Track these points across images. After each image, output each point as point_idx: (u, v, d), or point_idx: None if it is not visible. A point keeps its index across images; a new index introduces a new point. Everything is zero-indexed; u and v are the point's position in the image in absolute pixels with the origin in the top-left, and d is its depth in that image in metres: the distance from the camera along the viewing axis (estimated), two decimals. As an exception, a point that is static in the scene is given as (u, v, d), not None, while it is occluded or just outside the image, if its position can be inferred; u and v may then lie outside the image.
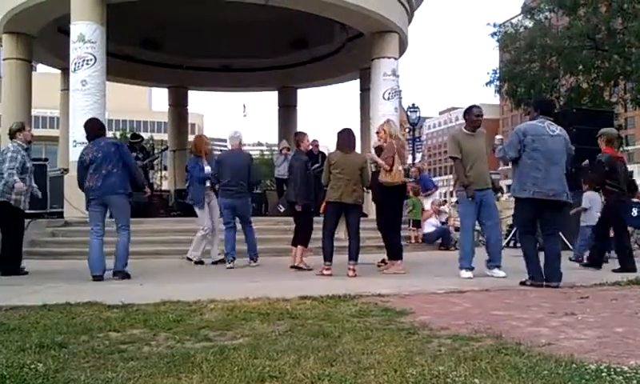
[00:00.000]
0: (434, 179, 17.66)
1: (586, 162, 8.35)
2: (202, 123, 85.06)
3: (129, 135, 16.06)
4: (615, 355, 2.90)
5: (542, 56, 23.03)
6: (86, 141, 6.86)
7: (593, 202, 8.79)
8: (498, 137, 6.36)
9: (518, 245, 11.01)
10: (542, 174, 5.71)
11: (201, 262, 8.04)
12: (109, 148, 6.39)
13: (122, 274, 6.24)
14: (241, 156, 7.99)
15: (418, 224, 11.43)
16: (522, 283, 5.77)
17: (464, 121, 6.86)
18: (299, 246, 7.46)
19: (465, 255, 6.47)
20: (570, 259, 8.18)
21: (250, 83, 19.79)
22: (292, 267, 7.37)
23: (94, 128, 6.70)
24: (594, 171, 7.59)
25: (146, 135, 19.58)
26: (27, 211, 7.17)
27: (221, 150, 29.85)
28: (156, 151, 15.68)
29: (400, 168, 7.01)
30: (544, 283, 5.65)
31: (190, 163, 8.47)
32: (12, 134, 7.03)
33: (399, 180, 7.02)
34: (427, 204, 12.18)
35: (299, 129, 19.43)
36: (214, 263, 8.09)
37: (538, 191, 5.73)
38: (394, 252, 7.23)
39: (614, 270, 6.92)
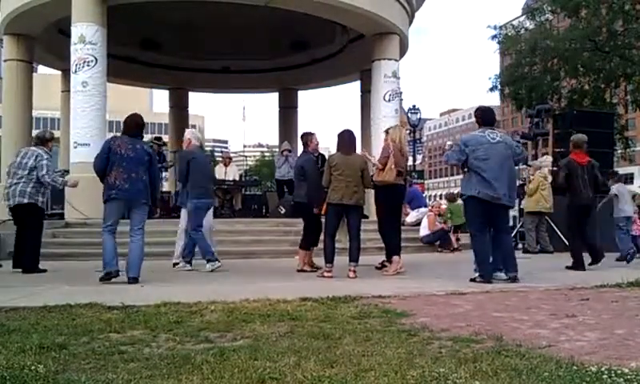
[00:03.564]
0: (435, 180, 17.59)
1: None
2: (203, 125, 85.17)
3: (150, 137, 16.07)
4: (616, 357, 2.90)
5: (544, 58, 23.09)
6: (86, 142, 6.86)
7: (620, 194, 9.01)
8: (449, 142, 6.60)
9: (519, 246, 11.10)
10: (486, 179, 6.11)
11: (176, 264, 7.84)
12: (143, 154, 6.23)
13: (133, 281, 6.09)
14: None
15: (458, 229, 11.43)
16: (473, 280, 6.08)
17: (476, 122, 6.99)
18: (302, 250, 7.46)
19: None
20: (617, 260, 8.27)
21: (251, 85, 19.83)
22: (299, 271, 7.28)
23: (135, 124, 6.41)
24: (555, 175, 8.20)
25: (147, 137, 19.58)
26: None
27: (222, 151, 29.79)
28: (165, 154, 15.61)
29: (392, 167, 7.03)
30: (507, 275, 6.15)
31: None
32: (43, 141, 7.40)
33: (391, 179, 7.06)
34: (411, 216, 12.12)
35: (300, 130, 19.49)
36: (175, 264, 7.87)
37: (484, 192, 6.15)
38: (391, 249, 7.24)
39: (568, 267, 7.53)
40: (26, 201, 7.07)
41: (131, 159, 6.12)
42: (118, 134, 6.50)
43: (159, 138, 13.75)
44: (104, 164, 6.16)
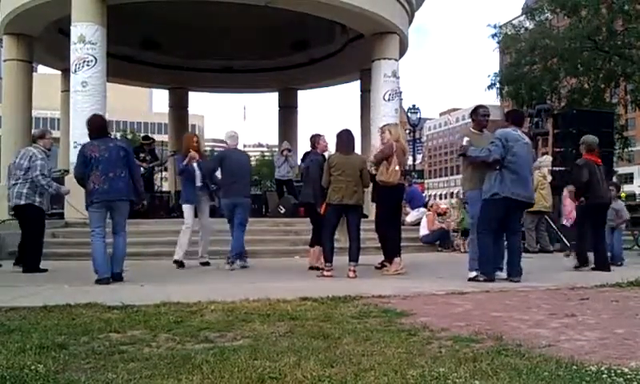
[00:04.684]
0: (435, 180, 17.55)
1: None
2: (203, 124, 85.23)
3: (130, 136, 16.09)
4: (616, 357, 2.90)
5: (544, 58, 23.09)
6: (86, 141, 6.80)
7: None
8: (467, 139, 6.43)
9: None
10: (519, 176, 6.14)
11: (181, 264, 7.73)
12: (118, 151, 6.15)
13: (119, 278, 6.14)
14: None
15: (466, 233, 11.34)
16: (474, 279, 6.12)
17: (471, 121, 6.93)
18: (316, 247, 7.42)
19: (476, 256, 6.48)
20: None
21: (251, 84, 19.81)
22: (311, 268, 7.29)
23: (99, 125, 6.40)
24: (575, 175, 7.96)
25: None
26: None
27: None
28: (165, 154, 15.57)
29: (397, 168, 7.02)
30: (508, 279, 6.12)
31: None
32: (35, 139, 7.44)
33: (394, 180, 7.04)
34: (411, 216, 12.10)
35: (300, 129, 19.53)
36: (202, 264, 8.00)
37: (518, 193, 6.13)
38: (392, 249, 7.23)
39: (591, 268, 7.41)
40: (22, 202, 7.09)
41: (106, 160, 6.07)
42: (118, 135, 6.52)
43: (147, 138, 13.72)
44: (82, 171, 6.14)
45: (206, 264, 8.01)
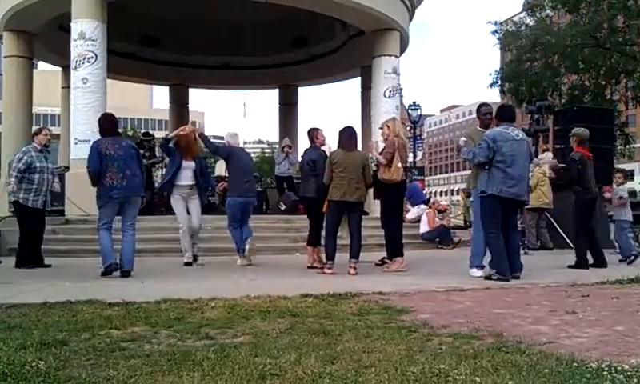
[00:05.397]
0: (435, 177, 17.52)
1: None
2: (203, 121, 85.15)
3: (130, 133, 16.09)
4: (616, 354, 2.90)
5: (545, 54, 23.06)
6: (86, 138, 6.86)
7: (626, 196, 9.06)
8: (463, 138, 6.49)
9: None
10: (509, 176, 6.12)
11: (197, 260, 7.74)
12: (130, 150, 6.39)
13: (129, 274, 6.18)
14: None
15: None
16: (488, 278, 6.06)
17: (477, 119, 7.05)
18: (310, 247, 7.41)
19: (476, 253, 6.49)
20: (620, 260, 8.15)
21: (251, 81, 19.80)
22: (310, 268, 7.21)
23: (112, 123, 6.52)
24: (568, 169, 7.93)
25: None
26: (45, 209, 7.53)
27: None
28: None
29: (399, 165, 7.01)
30: (514, 276, 6.08)
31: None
32: (32, 137, 7.63)
33: (397, 177, 7.02)
34: (412, 213, 12.12)
35: (300, 126, 19.49)
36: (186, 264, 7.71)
37: (506, 191, 6.13)
38: (395, 249, 7.22)
39: (591, 265, 7.37)
40: (12, 199, 7.26)
41: (121, 157, 6.20)
42: (121, 137, 6.58)
43: (147, 134, 13.68)
44: (99, 166, 6.14)
45: (189, 264, 7.70)
